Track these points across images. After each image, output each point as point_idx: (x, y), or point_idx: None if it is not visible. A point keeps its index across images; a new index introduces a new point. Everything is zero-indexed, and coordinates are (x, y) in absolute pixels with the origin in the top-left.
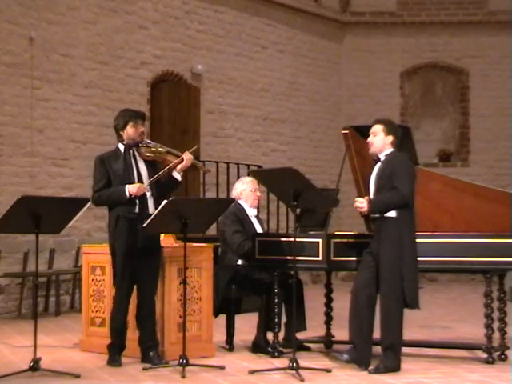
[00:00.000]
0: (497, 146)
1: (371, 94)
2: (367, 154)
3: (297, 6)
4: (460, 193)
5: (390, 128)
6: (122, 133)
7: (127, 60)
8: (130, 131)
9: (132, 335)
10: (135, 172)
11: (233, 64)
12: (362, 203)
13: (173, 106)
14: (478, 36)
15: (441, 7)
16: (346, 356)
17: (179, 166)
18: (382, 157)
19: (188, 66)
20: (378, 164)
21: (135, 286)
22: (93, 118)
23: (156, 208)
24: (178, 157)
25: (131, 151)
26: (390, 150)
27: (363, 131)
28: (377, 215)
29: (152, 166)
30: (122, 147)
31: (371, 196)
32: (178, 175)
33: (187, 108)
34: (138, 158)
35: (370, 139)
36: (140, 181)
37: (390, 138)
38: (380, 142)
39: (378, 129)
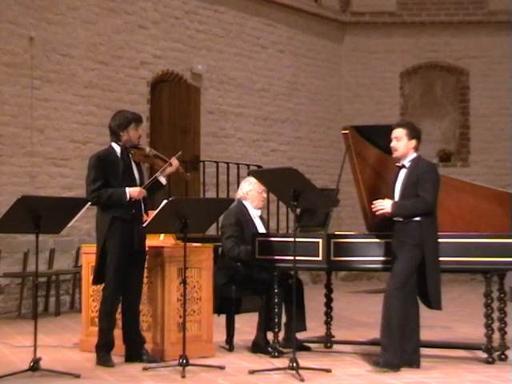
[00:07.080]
0: (497, 146)
1: (371, 93)
2: (367, 155)
3: (297, 6)
4: (460, 193)
5: (412, 131)
6: (121, 133)
7: (127, 60)
8: (131, 133)
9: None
10: (135, 174)
11: (233, 64)
12: (382, 205)
13: (173, 106)
14: (477, 36)
15: (441, 7)
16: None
17: (167, 170)
18: (407, 163)
19: (188, 66)
20: (403, 170)
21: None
22: (93, 118)
23: (146, 210)
24: (165, 161)
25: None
26: (413, 154)
27: (363, 131)
28: (399, 219)
29: (140, 168)
30: (117, 148)
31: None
32: (163, 179)
33: (187, 108)
34: (131, 160)
35: (393, 144)
36: (135, 183)
37: (414, 142)
38: (404, 147)
39: (400, 133)
